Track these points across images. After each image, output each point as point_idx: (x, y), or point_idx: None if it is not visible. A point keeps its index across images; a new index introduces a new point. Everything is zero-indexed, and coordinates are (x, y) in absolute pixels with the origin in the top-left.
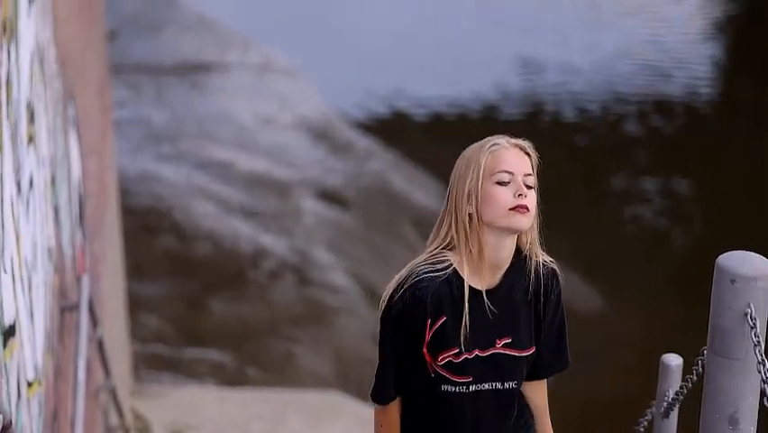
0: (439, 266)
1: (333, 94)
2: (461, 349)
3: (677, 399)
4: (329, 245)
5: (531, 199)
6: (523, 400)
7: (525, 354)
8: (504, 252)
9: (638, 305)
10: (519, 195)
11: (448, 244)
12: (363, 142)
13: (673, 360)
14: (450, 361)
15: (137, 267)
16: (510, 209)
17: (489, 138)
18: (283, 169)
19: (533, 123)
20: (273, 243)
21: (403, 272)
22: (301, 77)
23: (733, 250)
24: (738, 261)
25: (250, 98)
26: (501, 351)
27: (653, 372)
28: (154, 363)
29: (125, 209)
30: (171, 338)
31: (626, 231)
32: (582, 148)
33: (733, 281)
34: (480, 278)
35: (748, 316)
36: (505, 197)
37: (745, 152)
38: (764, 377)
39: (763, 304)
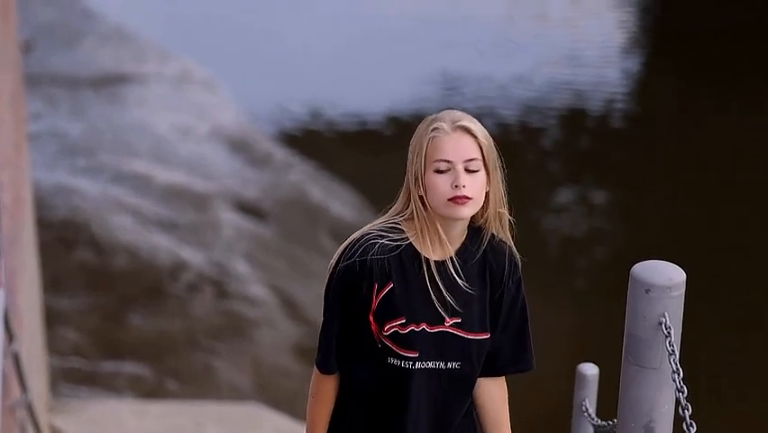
0: (392, 234)
1: (251, 105)
2: (407, 319)
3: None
4: (247, 257)
5: (473, 187)
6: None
7: (474, 338)
8: (455, 230)
9: (555, 315)
10: (456, 186)
11: (404, 214)
12: (281, 154)
13: (589, 369)
14: (396, 331)
15: (54, 280)
16: (449, 199)
17: (436, 116)
18: (201, 181)
19: None
20: (191, 255)
21: (355, 235)
22: (219, 88)
23: (648, 260)
24: (652, 270)
25: (167, 110)
26: (449, 330)
27: (571, 381)
28: (72, 377)
29: (42, 222)
30: (89, 352)
31: (542, 242)
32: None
33: (647, 291)
34: (432, 250)
35: (663, 325)
36: (443, 186)
37: (660, 164)
38: (679, 386)
39: (678, 313)
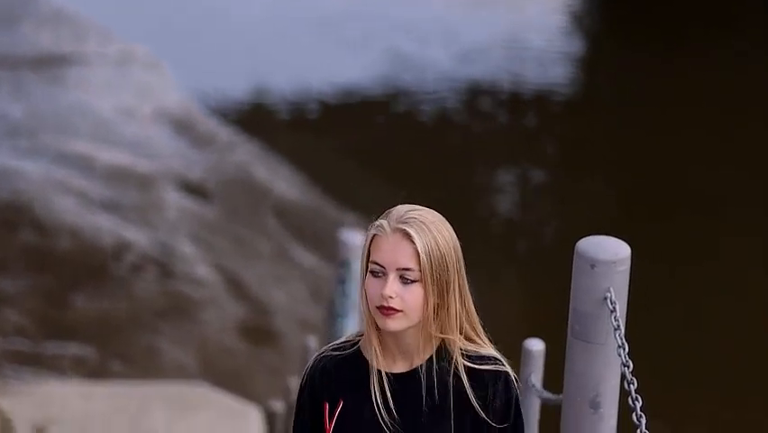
0: (345, 343)
1: (195, 85)
2: None
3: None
4: (192, 238)
5: (405, 298)
6: None
7: None
8: (404, 339)
9: (501, 293)
10: (382, 294)
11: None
12: (225, 134)
13: (535, 345)
14: None
15: None
16: (376, 307)
17: (389, 211)
18: (144, 161)
19: (394, 116)
20: (135, 236)
21: (314, 356)
22: (161, 68)
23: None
24: (597, 245)
25: (109, 91)
26: None
27: (517, 358)
28: (16, 358)
29: None
30: (33, 333)
31: (486, 221)
32: (441, 141)
33: (593, 266)
34: (391, 361)
35: (608, 300)
36: (373, 292)
37: (602, 142)
38: (624, 360)
39: (623, 288)
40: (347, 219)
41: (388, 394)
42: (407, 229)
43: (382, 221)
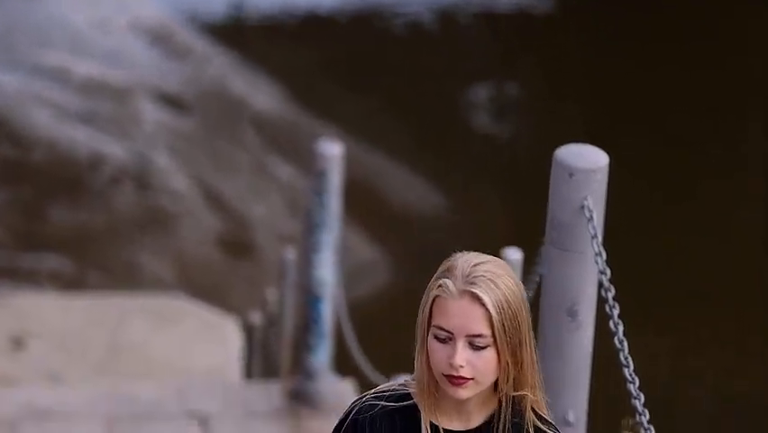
0: (395, 394)
1: None
2: None
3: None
4: (169, 150)
5: (476, 366)
6: None
7: None
8: (466, 403)
9: (479, 203)
10: (451, 364)
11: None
12: (201, 45)
13: (513, 254)
14: None
15: None
16: (444, 375)
17: (451, 264)
18: (120, 73)
19: (371, 30)
20: (112, 148)
21: (358, 399)
22: None
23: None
24: (576, 154)
25: (85, 2)
26: None
27: None
28: None
29: None
30: (10, 246)
31: (464, 133)
32: (418, 56)
33: (571, 175)
34: (448, 418)
35: (586, 208)
36: (439, 359)
37: (577, 55)
38: (602, 268)
39: (601, 196)
40: (324, 131)
41: None
42: (477, 292)
43: (446, 281)
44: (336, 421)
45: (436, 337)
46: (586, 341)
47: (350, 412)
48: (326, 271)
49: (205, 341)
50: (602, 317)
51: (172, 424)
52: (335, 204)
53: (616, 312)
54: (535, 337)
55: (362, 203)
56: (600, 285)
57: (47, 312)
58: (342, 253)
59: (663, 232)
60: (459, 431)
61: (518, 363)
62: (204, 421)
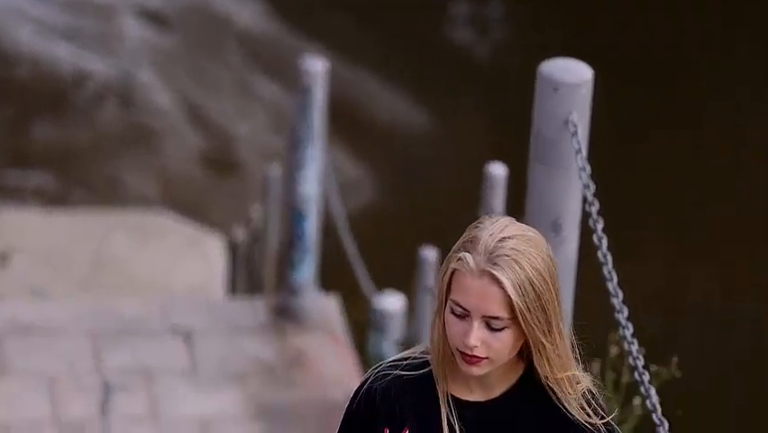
0: (413, 362)
1: None
2: None
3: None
4: (152, 67)
5: (491, 346)
6: None
7: None
8: (487, 374)
9: (463, 119)
10: (465, 343)
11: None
12: None
13: (498, 169)
14: None
15: None
16: (458, 350)
17: (473, 235)
18: None
19: None
20: (95, 65)
21: (375, 367)
22: None
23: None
24: (561, 68)
25: None
26: None
27: (479, 183)
28: None
29: None
30: None
31: (447, 50)
32: None
33: (555, 89)
34: (467, 388)
35: (570, 123)
36: (454, 333)
37: None
38: (586, 183)
39: (585, 111)
40: (308, 48)
41: (456, 425)
42: (497, 274)
43: (466, 255)
44: (350, 397)
45: (453, 312)
46: (570, 255)
47: (365, 381)
48: (310, 187)
49: (189, 257)
50: (586, 230)
51: (156, 340)
52: (319, 120)
53: (599, 226)
54: None
55: (347, 120)
56: (584, 200)
57: (31, 228)
58: (327, 170)
59: (649, 146)
60: (476, 402)
61: (555, 345)
62: (187, 337)
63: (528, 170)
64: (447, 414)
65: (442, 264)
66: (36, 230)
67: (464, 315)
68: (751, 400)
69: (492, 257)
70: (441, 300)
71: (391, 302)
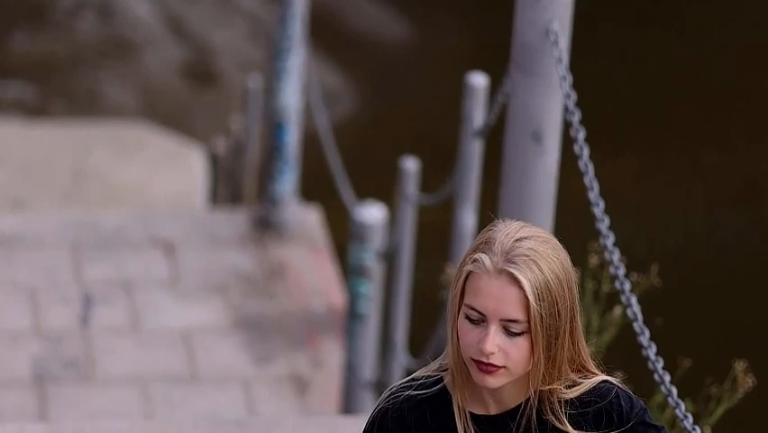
0: (427, 381)
1: None
2: None
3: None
4: None
5: (508, 353)
6: None
7: None
8: (501, 389)
9: (443, 28)
10: (481, 350)
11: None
12: None
13: (478, 79)
14: None
15: None
16: (473, 359)
17: (488, 236)
18: None
19: None
20: None
21: (390, 388)
22: None
23: None
24: None
25: None
26: None
27: (459, 93)
28: None
29: None
30: None
31: None
32: None
33: None
34: (481, 403)
35: (551, 31)
36: (469, 341)
37: None
38: (566, 92)
39: (566, 19)
40: None
41: None
42: (515, 273)
43: (482, 256)
44: (369, 417)
45: (468, 318)
46: (551, 165)
47: (379, 407)
48: (290, 97)
49: (170, 169)
50: (567, 140)
51: (137, 251)
52: (300, 30)
53: (581, 136)
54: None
55: (327, 30)
56: (566, 109)
57: (10, 139)
58: (308, 80)
59: (632, 55)
60: (489, 416)
61: (551, 357)
62: (169, 248)
63: (509, 79)
64: (464, 430)
65: (451, 288)
66: (16, 141)
67: (480, 320)
68: (732, 308)
69: (510, 256)
70: (455, 309)
71: (372, 213)
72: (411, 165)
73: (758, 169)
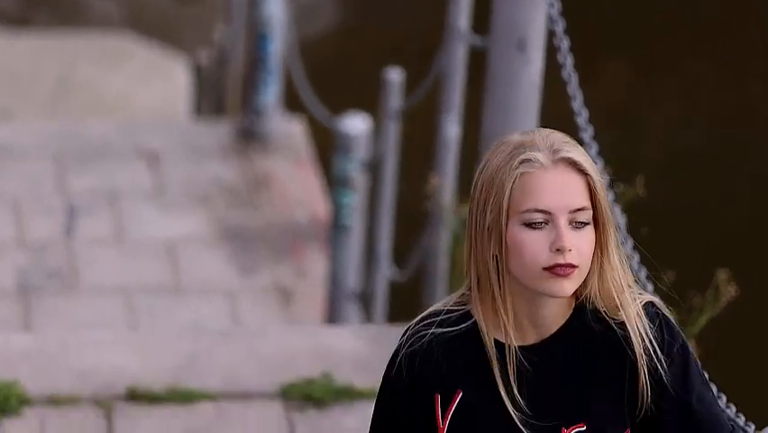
0: (450, 317)
1: None
2: None
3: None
4: None
5: (580, 249)
6: None
7: None
8: (546, 309)
9: None
10: (559, 249)
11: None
12: None
13: None
14: None
15: None
16: (545, 269)
17: (521, 141)
18: None
19: None
20: None
21: (409, 327)
22: None
23: None
24: None
25: None
26: None
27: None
28: None
29: None
30: None
31: None
32: None
33: None
34: (516, 333)
35: None
36: (537, 249)
37: None
38: (550, 0)
39: None
40: None
41: (525, 373)
42: (574, 157)
43: (533, 153)
44: (387, 365)
45: (527, 224)
46: (534, 75)
47: (400, 347)
48: (274, 8)
49: (154, 79)
50: (551, 52)
51: (121, 161)
52: None
53: (564, 45)
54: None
55: None
56: (550, 18)
57: None
58: None
59: None
60: (533, 345)
61: (609, 256)
62: (153, 158)
63: None
64: (508, 364)
65: (487, 212)
66: (0, 52)
67: (545, 221)
68: (718, 216)
69: (558, 145)
70: (499, 229)
71: (355, 123)
72: (395, 75)
73: (748, 83)
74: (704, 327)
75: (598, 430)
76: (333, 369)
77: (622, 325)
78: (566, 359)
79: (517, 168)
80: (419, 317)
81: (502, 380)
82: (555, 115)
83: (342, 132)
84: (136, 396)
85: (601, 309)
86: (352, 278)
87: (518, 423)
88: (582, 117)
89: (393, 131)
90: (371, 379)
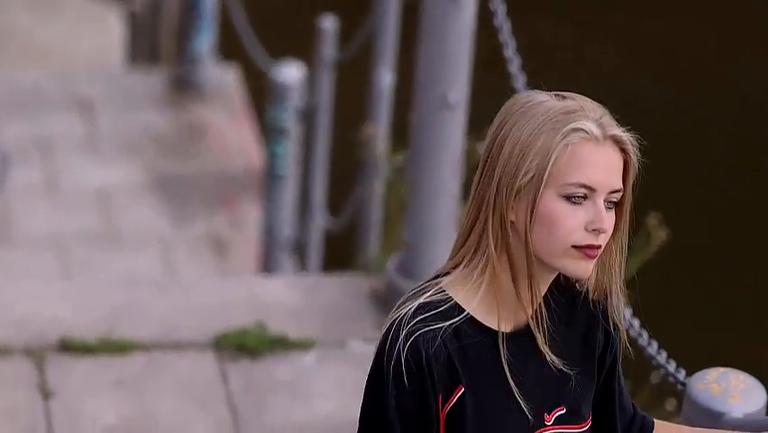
0: (439, 310)
1: None
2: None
3: None
4: None
5: (607, 232)
6: None
7: (584, 430)
8: (543, 287)
9: None
10: (596, 229)
11: (461, 262)
12: None
13: None
14: None
15: None
16: (575, 247)
17: (567, 104)
18: None
19: None
20: None
21: (395, 317)
22: None
23: None
24: None
25: None
26: (555, 430)
27: None
28: None
29: None
30: None
31: None
32: None
33: None
34: (500, 316)
35: None
36: (571, 225)
37: None
38: None
39: None
40: None
41: (514, 360)
42: (624, 137)
43: (587, 124)
44: (384, 358)
45: (566, 198)
46: (467, 22)
47: (402, 347)
48: None
49: (88, 28)
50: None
51: (54, 110)
52: None
53: None
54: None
55: None
56: None
57: None
58: None
59: None
60: (517, 331)
61: (619, 228)
62: (87, 107)
63: None
64: (504, 353)
65: (521, 173)
66: None
67: (585, 196)
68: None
69: (607, 120)
70: (534, 193)
71: (290, 72)
72: (329, 24)
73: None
74: (635, 271)
75: (574, 411)
76: (266, 319)
77: (594, 302)
78: (550, 337)
79: (568, 136)
80: (409, 312)
81: (506, 366)
82: (488, 63)
83: (276, 80)
84: (69, 346)
85: (581, 288)
86: (286, 227)
87: (527, 412)
88: (514, 65)
89: (327, 80)
90: (305, 329)
